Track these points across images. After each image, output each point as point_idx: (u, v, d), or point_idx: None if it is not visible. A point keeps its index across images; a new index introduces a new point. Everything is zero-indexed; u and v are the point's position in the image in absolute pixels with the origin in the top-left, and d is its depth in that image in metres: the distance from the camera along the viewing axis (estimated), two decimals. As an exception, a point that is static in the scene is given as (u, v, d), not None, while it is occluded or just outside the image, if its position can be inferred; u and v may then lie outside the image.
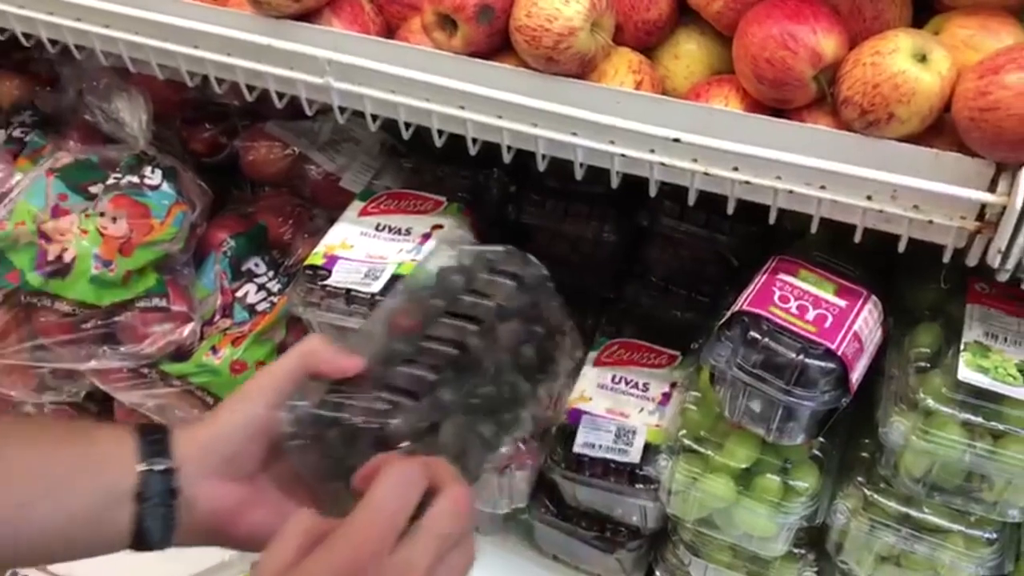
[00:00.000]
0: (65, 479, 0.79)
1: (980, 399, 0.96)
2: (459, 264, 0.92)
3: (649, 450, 1.18)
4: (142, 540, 0.81)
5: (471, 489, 0.75)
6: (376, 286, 1.17)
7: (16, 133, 1.53)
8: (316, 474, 0.82)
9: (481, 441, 0.82)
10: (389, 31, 1.12)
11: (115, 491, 0.80)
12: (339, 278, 1.19)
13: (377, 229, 1.26)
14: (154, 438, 0.82)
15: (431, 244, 1.23)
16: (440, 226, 1.25)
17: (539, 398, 0.88)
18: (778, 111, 0.94)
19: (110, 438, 0.83)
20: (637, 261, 1.41)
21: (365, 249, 1.23)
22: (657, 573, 1.29)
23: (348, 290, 1.18)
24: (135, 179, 1.35)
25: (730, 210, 0.98)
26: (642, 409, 1.25)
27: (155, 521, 0.80)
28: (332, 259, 1.21)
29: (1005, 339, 1.00)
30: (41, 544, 0.78)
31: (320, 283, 1.19)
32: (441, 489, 0.72)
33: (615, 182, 1.02)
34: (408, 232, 1.25)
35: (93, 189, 1.36)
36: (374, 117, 1.10)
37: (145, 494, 0.80)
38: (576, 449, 1.21)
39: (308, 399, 0.81)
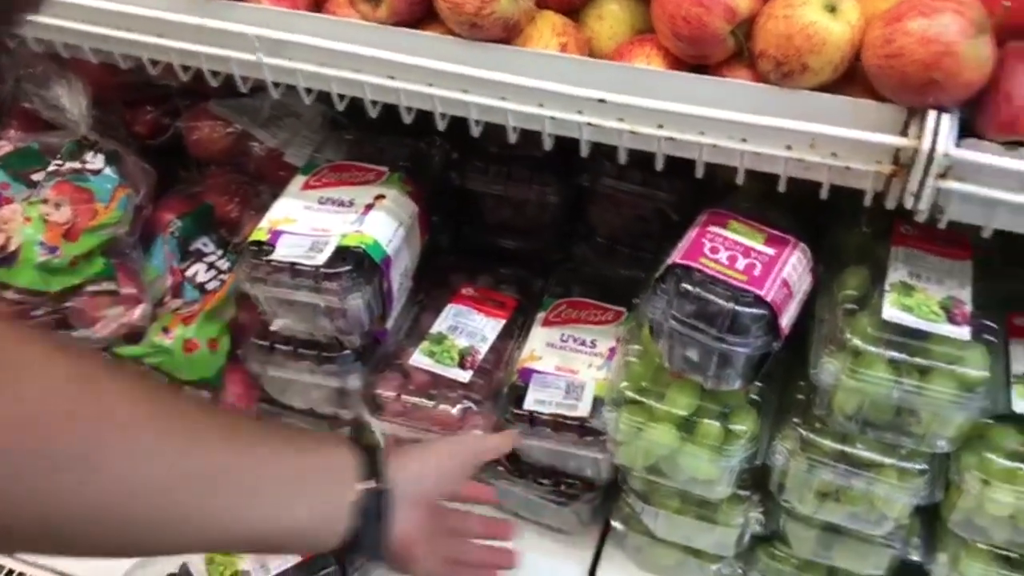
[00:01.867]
0: (302, 480, 0.84)
1: (905, 337, 1.00)
2: None
3: (598, 404, 1.22)
4: (352, 550, 0.88)
5: None
6: (320, 258, 1.19)
7: (-46, 124, 1.52)
8: None
9: None
10: (316, 5, 1.13)
11: (339, 502, 0.86)
12: (284, 252, 1.20)
13: (320, 202, 1.27)
14: (372, 458, 0.90)
15: (374, 214, 1.24)
16: (383, 196, 1.27)
17: None
18: (699, 67, 0.97)
19: (332, 451, 0.90)
20: (581, 222, 1.44)
21: (309, 222, 1.24)
22: (612, 523, 1.32)
23: (293, 264, 1.19)
24: (77, 165, 1.35)
25: (659, 166, 1.01)
26: (590, 365, 1.29)
27: (369, 537, 0.88)
28: (276, 234, 1.23)
29: (928, 278, 1.03)
30: (260, 538, 0.82)
31: (265, 258, 1.20)
32: None
33: (548, 144, 1.04)
34: (351, 203, 1.26)
35: (35, 177, 1.36)
36: (308, 91, 1.11)
37: (366, 510, 0.87)
38: (527, 407, 1.24)
39: None
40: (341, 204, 1.26)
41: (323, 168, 1.32)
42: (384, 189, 1.28)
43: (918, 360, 0.99)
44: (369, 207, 1.25)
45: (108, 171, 1.36)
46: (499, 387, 1.30)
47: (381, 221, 1.24)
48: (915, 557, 1.15)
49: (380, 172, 1.31)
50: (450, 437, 1.08)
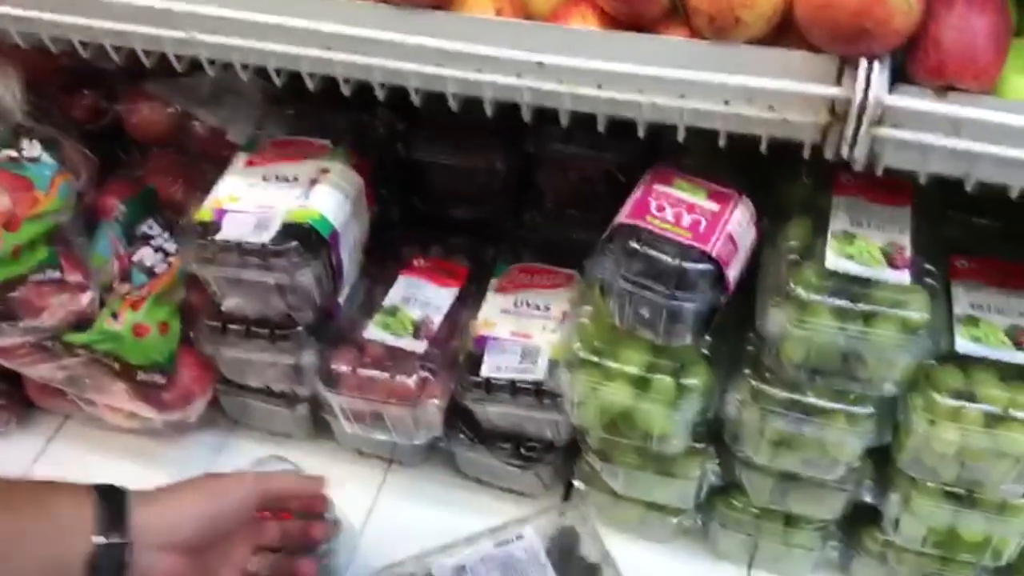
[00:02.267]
0: (22, 542, 0.83)
1: (848, 284, 1.01)
2: None
3: (554, 366, 1.23)
4: None
5: None
6: (267, 236, 1.18)
7: None
8: None
9: None
10: (250, -21, 1.11)
11: (70, 559, 0.85)
12: (229, 232, 1.19)
13: (264, 179, 1.26)
14: (113, 505, 0.89)
15: (320, 188, 1.24)
16: (327, 170, 1.26)
17: None
18: (635, 27, 0.97)
19: (69, 502, 0.88)
20: (530, 187, 1.44)
21: (254, 200, 1.23)
22: (574, 483, 1.34)
23: (239, 243, 1.18)
24: (13, 153, 1.32)
25: (600, 127, 1.01)
26: (544, 328, 1.29)
27: None
28: (221, 213, 1.21)
29: (869, 225, 1.05)
30: None
31: (211, 238, 1.19)
32: None
33: (489, 111, 1.04)
34: (296, 179, 1.25)
35: (-30, 167, 1.33)
36: (244, 67, 1.09)
37: (99, 566, 0.85)
38: (484, 373, 1.25)
39: None
40: (286, 180, 1.25)
41: (266, 144, 1.31)
42: (328, 163, 1.27)
43: (861, 306, 1.01)
44: (314, 182, 1.24)
45: (46, 158, 1.33)
46: (455, 356, 1.30)
47: (327, 195, 1.23)
48: (868, 499, 1.18)
49: (324, 146, 1.30)
50: (222, 476, 1.02)
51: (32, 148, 1.33)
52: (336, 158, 1.28)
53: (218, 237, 1.19)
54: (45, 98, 1.49)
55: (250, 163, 1.29)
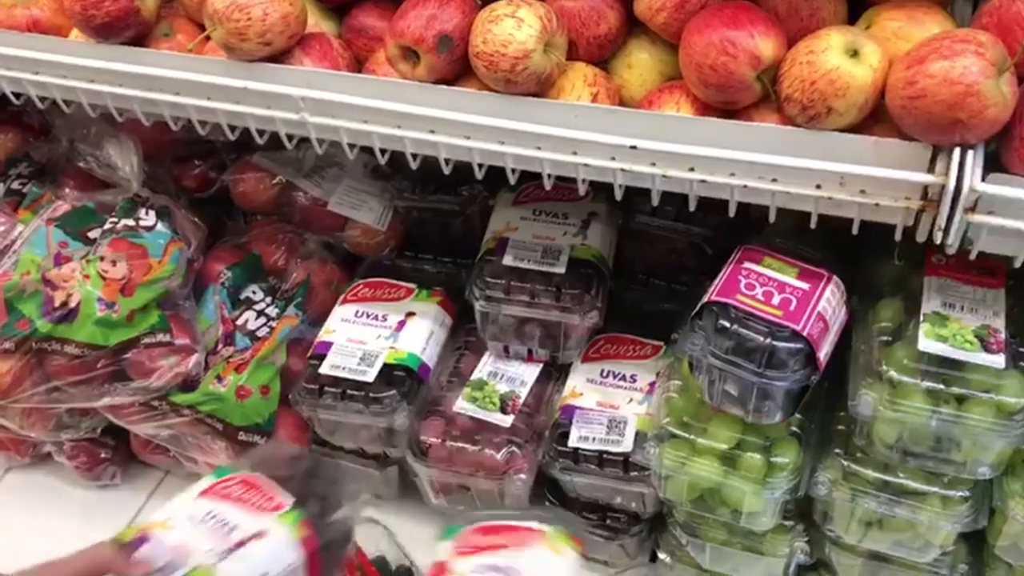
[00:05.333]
0: None
1: (941, 367, 1.01)
2: None
3: (640, 438, 1.24)
4: None
5: None
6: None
7: (14, 185, 1.59)
8: None
9: None
10: (357, 64, 1.18)
11: None
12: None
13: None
14: None
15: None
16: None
17: None
18: (727, 112, 1.00)
19: None
20: (616, 257, 1.46)
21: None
22: (660, 555, 1.34)
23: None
24: (131, 222, 1.41)
25: (692, 207, 1.04)
26: (631, 400, 1.31)
27: None
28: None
29: (962, 307, 1.05)
30: None
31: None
32: None
33: (582, 190, 1.08)
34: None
35: (92, 235, 1.42)
36: (351, 146, 1.15)
37: None
38: (572, 444, 1.27)
39: None
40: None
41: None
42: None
43: (955, 389, 1.01)
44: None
45: (160, 227, 1.42)
46: (540, 429, 1.33)
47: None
48: (962, 583, 1.16)
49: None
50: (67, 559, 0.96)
51: (148, 217, 1.42)
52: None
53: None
54: (159, 168, 1.59)
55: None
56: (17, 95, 1.31)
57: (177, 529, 1.01)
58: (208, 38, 1.12)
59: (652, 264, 1.45)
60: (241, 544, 1.01)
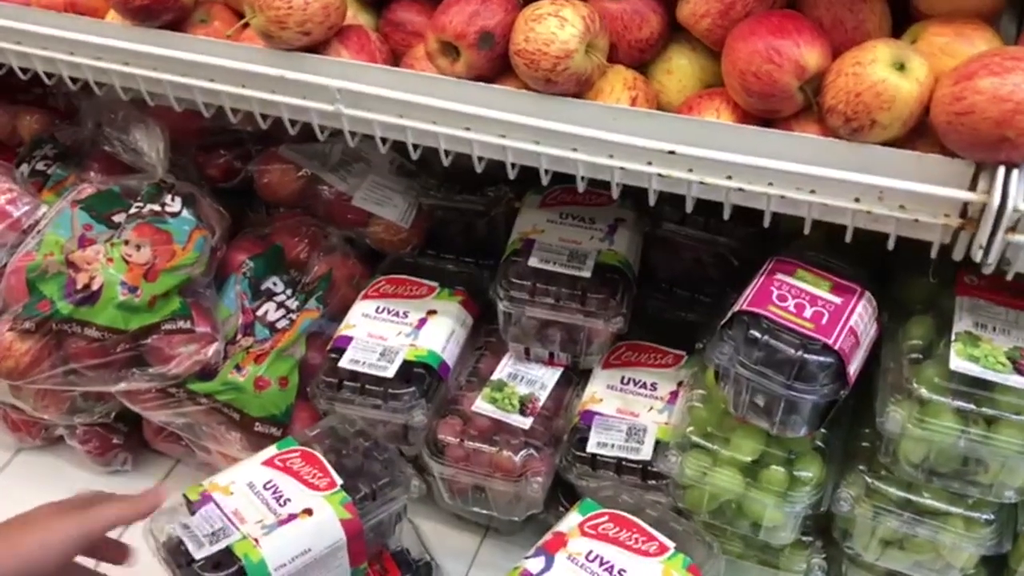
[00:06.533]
0: None
1: (972, 387, 1.01)
2: None
3: (660, 447, 1.23)
4: None
5: None
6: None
7: (39, 166, 1.58)
8: None
9: None
10: (395, 58, 1.17)
11: None
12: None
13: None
14: None
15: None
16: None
17: None
18: (767, 121, 0.99)
19: None
20: (641, 264, 1.46)
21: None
22: (673, 566, 1.33)
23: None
24: (156, 207, 1.40)
25: (726, 216, 1.03)
26: (651, 408, 1.30)
27: None
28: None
29: (994, 328, 1.04)
30: None
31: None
32: None
33: (615, 193, 1.07)
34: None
35: (116, 218, 1.41)
36: (383, 140, 1.15)
37: None
38: (590, 450, 1.26)
39: None
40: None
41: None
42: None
43: (985, 410, 1.00)
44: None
45: (185, 213, 1.41)
46: (559, 433, 1.32)
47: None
48: (981, 608, 1.15)
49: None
50: (37, 530, 0.99)
51: (174, 203, 1.42)
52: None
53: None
54: (184, 156, 1.59)
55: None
56: (49, 75, 1.30)
57: (236, 495, 1.15)
58: (247, 25, 1.12)
59: (676, 273, 1.45)
60: (289, 519, 1.13)
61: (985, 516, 1.06)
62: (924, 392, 1.01)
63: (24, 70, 1.32)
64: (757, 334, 1.04)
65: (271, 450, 1.21)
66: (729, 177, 0.99)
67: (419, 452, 1.36)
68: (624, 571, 1.05)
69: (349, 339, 1.37)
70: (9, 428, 1.58)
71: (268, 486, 1.15)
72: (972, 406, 1.00)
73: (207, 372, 1.38)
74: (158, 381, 1.37)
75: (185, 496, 1.15)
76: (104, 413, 1.49)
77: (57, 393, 1.45)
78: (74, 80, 1.30)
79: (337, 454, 1.23)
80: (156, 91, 1.24)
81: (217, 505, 1.13)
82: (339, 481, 1.16)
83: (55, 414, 1.49)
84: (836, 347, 1.01)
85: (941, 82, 0.89)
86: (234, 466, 1.21)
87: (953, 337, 1.03)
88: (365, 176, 1.51)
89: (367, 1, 1.23)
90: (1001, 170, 0.87)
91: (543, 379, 1.37)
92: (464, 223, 1.53)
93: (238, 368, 1.37)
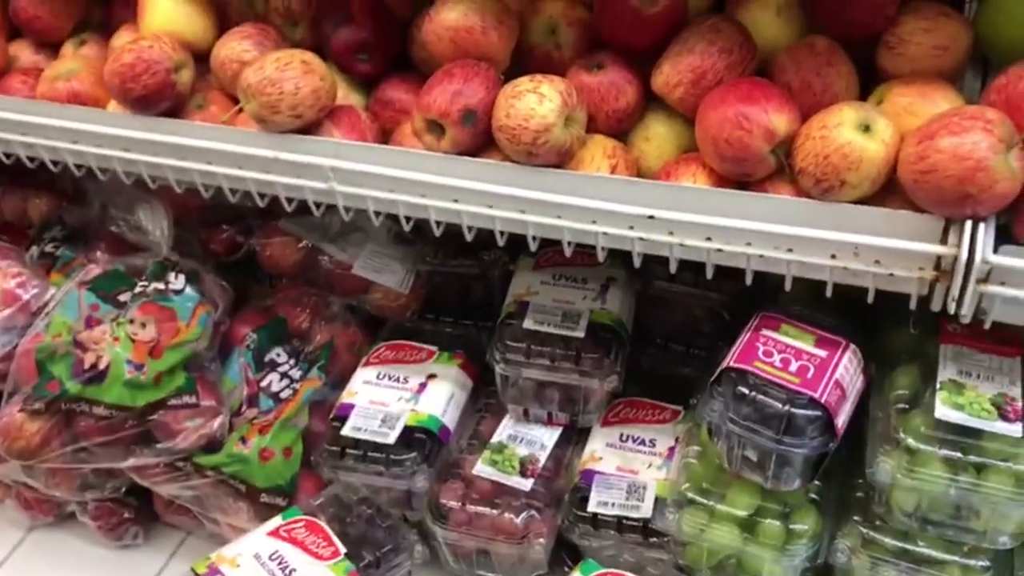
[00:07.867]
0: None
1: (958, 435, 1.02)
2: None
3: (659, 504, 1.24)
4: None
5: None
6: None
7: (47, 248, 1.63)
8: None
9: None
10: (384, 135, 1.22)
11: None
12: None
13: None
14: None
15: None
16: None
17: None
18: (743, 183, 1.03)
19: None
20: (634, 323, 1.48)
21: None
22: (679, 621, 1.33)
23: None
24: (160, 285, 1.44)
25: (709, 275, 1.06)
26: (650, 464, 1.31)
27: None
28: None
29: (978, 375, 1.06)
30: None
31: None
32: None
33: (601, 256, 1.10)
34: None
35: (122, 298, 1.45)
36: (376, 213, 1.18)
37: None
38: (591, 509, 1.27)
39: None
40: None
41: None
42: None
43: (972, 458, 1.01)
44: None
45: (189, 290, 1.45)
46: (560, 493, 1.33)
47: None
48: (984, 654, 1.14)
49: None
50: None
51: (177, 281, 1.46)
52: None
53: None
54: (188, 232, 1.63)
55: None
56: (55, 163, 1.35)
57: (243, 568, 1.18)
58: (241, 110, 1.17)
59: (670, 329, 1.47)
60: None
61: (981, 563, 1.06)
62: (912, 442, 1.03)
63: (31, 159, 1.37)
64: (745, 390, 1.06)
65: (276, 520, 1.23)
66: (708, 239, 1.02)
67: (423, 517, 1.38)
68: None
69: (351, 406, 1.40)
70: (22, 506, 1.60)
71: (274, 557, 1.17)
72: (959, 454, 1.01)
73: (213, 444, 1.40)
74: (166, 456, 1.40)
75: (193, 570, 1.17)
76: (114, 488, 1.51)
77: (68, 471, 1.47)
78: (78, 166, 1.35)
79: (341, 522, 1.25)
80: (157, 174, 1.28)
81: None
82: (343, 550, 1.18)
83: (66, 491, 1.51)
84: (822, 400, 1.03)
85: (906, 142, 0.93)
86: (240, 538, 1.23)
87: (938, 386, 1.05)
88: (363, 245, 1.54)
89: (358, 81, 1.27)
90: (968, 224, 0.90)
91: (542, 439, 1.39)
92: (461, 286, 1.56)
93: (243, 440, 1.39)
